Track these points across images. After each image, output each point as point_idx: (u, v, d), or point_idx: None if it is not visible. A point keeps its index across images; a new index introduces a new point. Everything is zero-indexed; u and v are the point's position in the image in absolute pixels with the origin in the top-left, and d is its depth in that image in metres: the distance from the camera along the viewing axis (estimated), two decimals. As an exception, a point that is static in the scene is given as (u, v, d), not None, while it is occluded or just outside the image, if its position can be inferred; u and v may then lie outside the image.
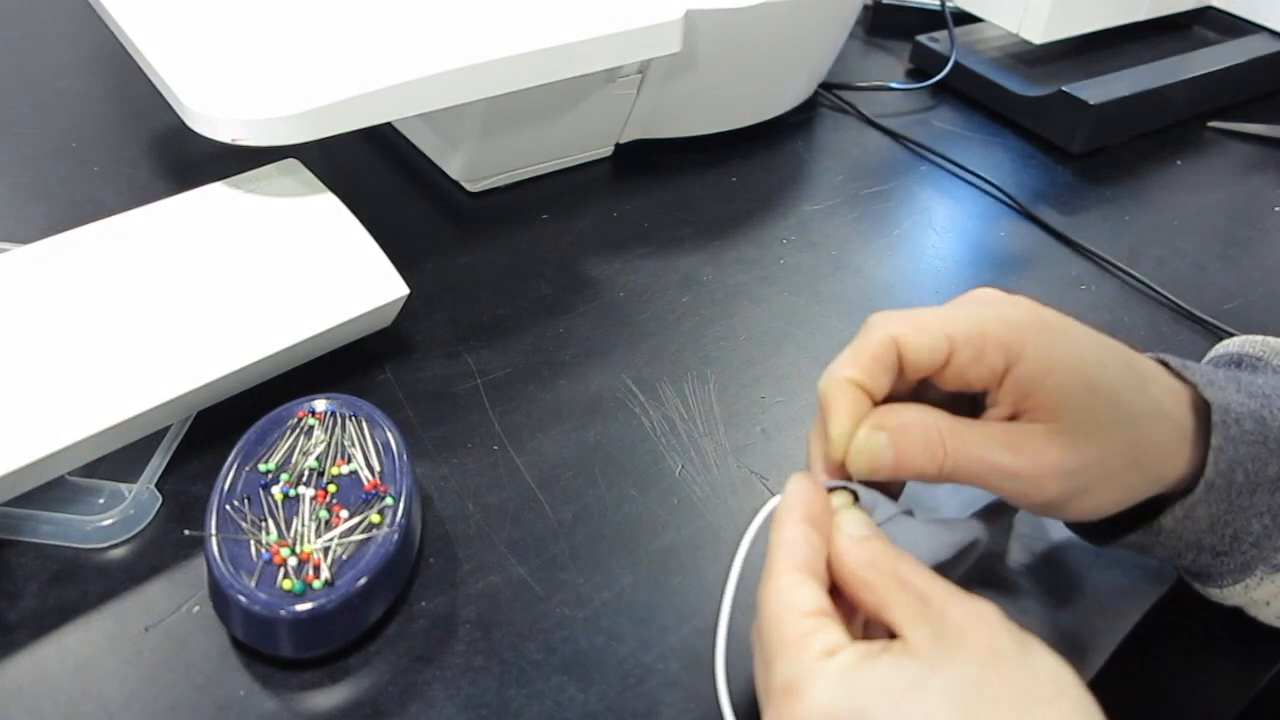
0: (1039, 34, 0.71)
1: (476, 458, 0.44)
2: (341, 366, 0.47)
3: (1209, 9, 0.83)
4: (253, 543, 0.35)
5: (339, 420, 0.40)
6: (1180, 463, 0.32)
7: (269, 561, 0.35)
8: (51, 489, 0.40)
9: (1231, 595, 0.35)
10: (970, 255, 0.60)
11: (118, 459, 0.41)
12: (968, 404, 0.34)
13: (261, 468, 0.38)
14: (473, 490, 0.43)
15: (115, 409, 0.38)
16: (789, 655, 0.27)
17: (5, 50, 0.73)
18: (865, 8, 0.86)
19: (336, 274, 0.45)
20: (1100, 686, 0.28)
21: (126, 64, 0.53)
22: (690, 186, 0.64)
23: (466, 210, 0.60)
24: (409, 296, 0.46)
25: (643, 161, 0.65)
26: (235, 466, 0.38)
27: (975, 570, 0.34)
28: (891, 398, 0.33)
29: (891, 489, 0.33)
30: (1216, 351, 0.41)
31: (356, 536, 0.36)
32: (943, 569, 0.32)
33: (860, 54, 0.83)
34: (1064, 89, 0.68)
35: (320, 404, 0.40)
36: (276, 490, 0.37)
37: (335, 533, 0.36)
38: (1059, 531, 0.41)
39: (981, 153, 0.70)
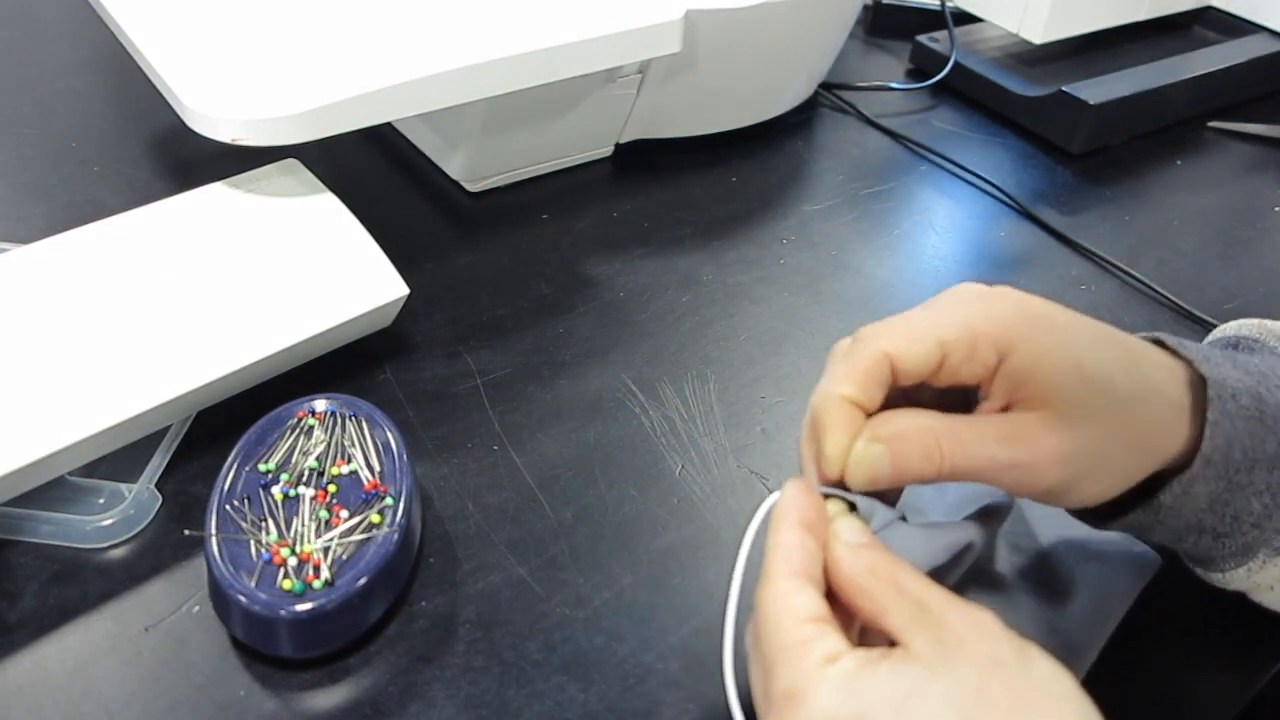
0: (1039, 34, 0.71)
1: (476, 458, 0.44)
2: (341, 366, 0.47)
3: (1209, 9, 0.83)
4: (253, 543, 0.35)
5: (339, 420, 0.40)
6: (1178, 440, 0.32)
7: (269, 561, 0.35)
8: (51, 489, 0.40)
9: (1234, 579, 0.35)
10: (970, 255, 0.60)
11: (118, 459, 0.41)
12: (959, 397, 0.34)
13: (261, 468, 0.38)
14: (473, 490, 0.43)
15: (115, 409, 0.38)
16: (790, 662, 0.27)
17: (5, 50, 0.73)
18: (865, 8, 0.86)
19: (336, 274, 0.45)
20: (1098, 687, 0.28)
21: (126, 64, 0.53)
22: (690, 186, 0.64)
23: (466, 210, 0.60)
24: (409, 296, 0.46)
25: (643, 161, 0.65)
26: (235, 466, 0.38)
27: (967, 571, 0.34)
28: (884, 400, 0.33)
29: (888, 495, 0.33)
30: (1214, 336, 0.41)
31: (356, 536, 0.36)
32: (939, 573, 0.32)
33: (860, 54, 0.83)
34: (1064, 89, 0.68)
35: (320, 404, 0.40)
36: (276, 490, 0.37)
37: (335, 533, 0.36)
38: (1046, 530, 0.41)
39: (981, 153, 0.70)
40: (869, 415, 0.32)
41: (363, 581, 0.35)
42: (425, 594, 0.38)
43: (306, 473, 0.38)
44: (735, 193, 0.63)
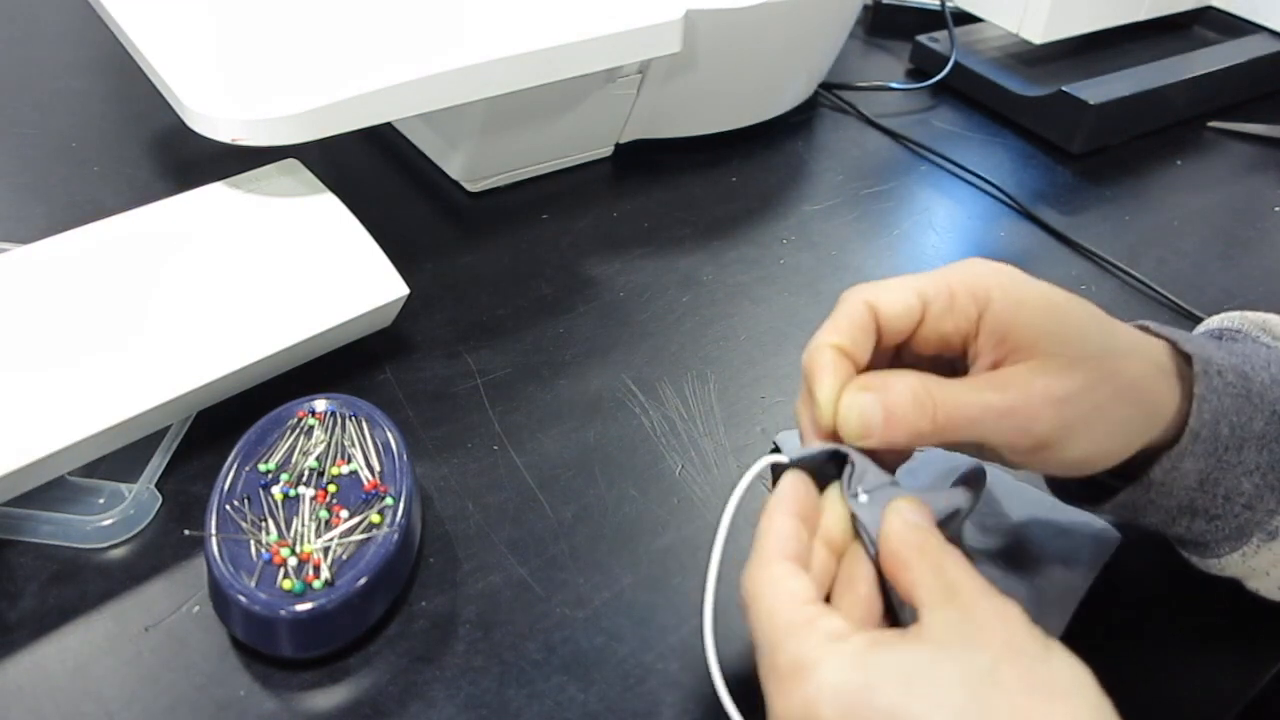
0: (1039, 34, 0.71)
1: (476, 458, 0.44)
2: (341, 366, 0.47)
3: (1209, 9, 0.83)
4: (253, 543, 0.35)
5: (339, 420, 0.40)
6: (1168, 402, 0.32)
7: (269, 561, 0.35)
8: (51, 489, 0.40)
9: (1230, 565, 0.35)
10: (970, 255, 0.60)
11: (118, 459, 0.41)
12: (948, 372, 0.34)
13: (261, 468, 0.38)
14: (473, 490, 0.43)
15: (115, 409, 0.38)
16: (797, 637, 0.27)
17: (5, 50, 0.73)
18: (865, 8, 0.86)
19: (336, 274, 0.45)
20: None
21: (126, 64, 0.53)
22: (690, 186, 0.64)
23: (466, 210, 0.60)
24: (409, 296, 0.46)
25: (643, 161, 0.65)
26: (235, 466, 0.38)
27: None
28: (873, 369, 0.33)
29: (884, 460, 0.33)
30: (1198, 330, 0.41)
31: (356, 536, 0.36)
32: None
33: (860, 54, 0.83)
34: (1064, 89, 0.68)
35: (320, 404, 0.40)
36: (276, 490, 0.37)
37: (335, 533, 0.36)
38: (1013, 510, 0.41)
39: (981, 153, 0.70)
40: (859, 369, 0.32)
41: (363, 581, 0.35)
42: (425, 594, 0.38)
43: (306, 473, 0.38)
44: (735, 193, 0.63)
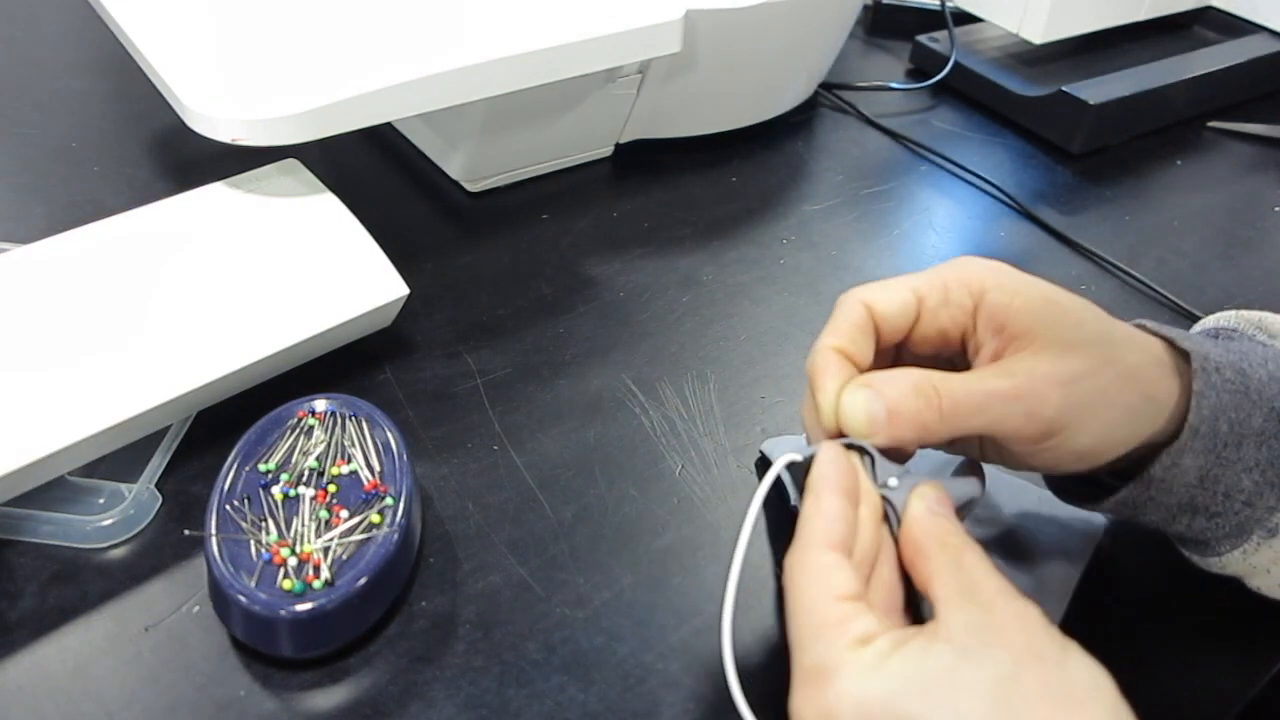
0: (1039, 34, 0.71)
1: (476, 458, 0.44)
2: (341, 366, 0.47)
3: (1209, 9, 0.83)
4: (253, 543, 0.35)
5: (339, 420, 0.40)
6: (1168, 395, 0.32)
7: (269, 561, 0.35)
8: (51, 489, 0.40)
9: (1230, 563, 0.35)
10: (970, 255, 0.60)
11: (118, 459, 0.41)
12: (949, 371, 0.34)
13: (261, 468, 0.38)
14: (473, 490, 0.43)
15: (115, 409, 0.38)
16: (823, 638, 0.27)
17: (5, 50, 0.73)
18: (865, 8, 0.86)
19: (336, 274, 0.45)
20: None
21: (126, 64, 0.53)
22: (690, 186, 0.64)
23: (466, 210, 0.60)
24: (409, 296, 0.46)
25: (643, 161, 0.65)
26: (235, 466, 0.38)
27: None
28: (875, 370, 0.33)
29: (896, 456, 0.33)
30: (1194, 330, 0.41)
31: (356, 536, 0.36)
32: None
33: (860, 54, 0.83)
34: (1064, 89, 0.68)
35: (320, 404, 0.40)
36: (276, 490, 0.37)
37: (335, 533, 0.36)
38: (1007, 503, 0.42)
39: (981, 153, 0.70)
40: (861, 369, 0.33)
41: (363, 581, 0.35)
42: (425, 594, 0.38)
43: (306, 473, 0.38)
44: (735, 193, 0.63)
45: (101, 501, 0.40)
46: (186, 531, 0.40)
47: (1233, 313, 0.39)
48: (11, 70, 0.71)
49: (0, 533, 0.39)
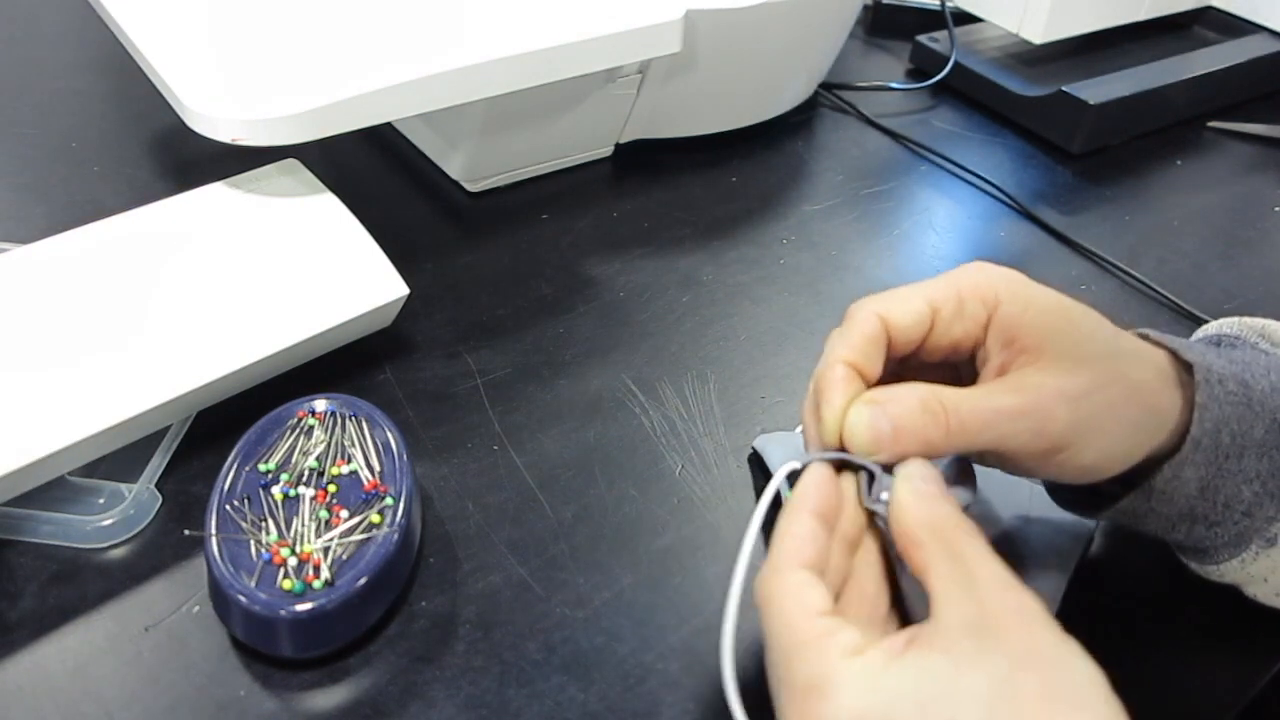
0: (1039, 34, 0.71)
1: (476, 458, 0.44)
2: (341, 366, 0.47)
3: (1209, 9, 0.83)
4: (253, 543, 0.35)
5: (339, 420, 0.40)
6: (1172, 408, 0.32)
7: (269, 561, 0.35)
8: (51, 489, 0.40)
9: (1228, 571, 0.35)
10: (970, 255, 0.60)
11: (118, 459, 0.41)
12: (952, 381, 0.34)
13: (261, 468, 0.38)
14: (473, 490, 0.43)
15: (115, 409, 0.38)
16: (810, 654, 0.26)
17: (5, 50, 0.73)
18: (865, 8, 0.86)
19: (336, 274, 0.45)
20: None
21: (126, 64, 0.53)
22: (690, 186, 0.64)
23: (466, 210, 0.60)
24: (409, 296, 0.46)
25: (643, 161, 0.65)
26: (235, 466, 0.38)
27: None
28: (881, 381, 0.33)
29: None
30: (1196, 336, 0.41)
31: (356, 536, 0.36)
32: None
33: (860, 54, 0.83)
34: (1064, 89, 0.68)
35: (320, 404, 0.40)
36: (276, 490, 0.37)
37: (335, 533, 0.36)
38: (999, 501, 0.41)
39: (981, 153, 0.70)
40: (872, 383, 0.32)
41: (363, 581, 0.35)
42: (425, 594, 0.38)
43: (306, 473, 0.38)
44: (735, 193, 0.63)
45: (101, 501, 0.40)
46: (186, 531, 0.40)
47: (1235, 320, 0.39)
48: (11, 70, 0.71)
49: (0, 533, 0.39)
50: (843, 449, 0.32)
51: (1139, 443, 0.32)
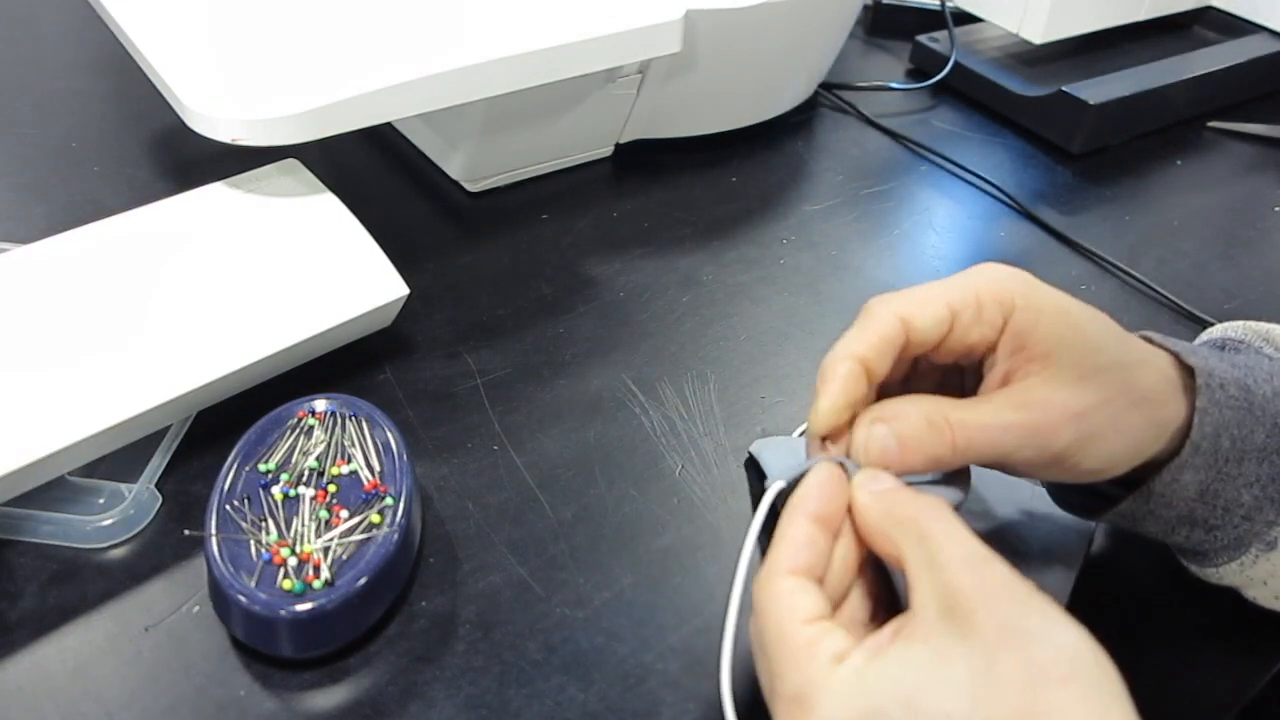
0: (1039, 34, 0.71)
1: (476, 458, 0.44)
2: (341, 366, 0.47)
3: (1209, 9, 0.83)
4: (253, 543, 0.35)
5: (339, 420, 0.40)
6: (1175, 410, 0.32)
7: (269, 561, 0.35)
8: (51, 489, 0.40)
9: (1228, 574, 0.35)
10: (970, 255, 0.60)
11: (118, 459, 0.41)
12: (957, 386, 0.34)
13: (261, 468, 0.38)
14: (473, 490, 0.43)
15: (115, 409, 0.38)
16: (797, 664, 0.26)
17: (5, 50, 0.73)
18: (865, 8, 0.86)
19: (336, 274, 0.45)
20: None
21: (126, 64, 0.53)
22: (690, 186, 0.64)
23: (466, 210, 0.60)
24: (409, 296, 0.46)
25: (643, 161, 0.65)
26: (235, 466, 0.38)
27: None
28: (883, 390, 0.33)
29: None
30: (1200, 339, 0.41)
31: (356, 536, 0.36)
32: None
33: (860, 54, 0.83)
34: (1064, 89, 0.68)
35: (320, 404, 0.40)
36: (276, 490, 0.37)
37: (335, 533, 0.36)
38: (1000, 501, 0.41)
39: (981, 153, 0.70)
40: (873, 384, 0.32)
41: (363, 581, 0.35)
42: (425, 594, 0.38)
43: (306, 473, 0.38)
44: (735, 193, 0.63)
45: (101, 501, 0.40)
46: (186, 531, 0.40)
47: (1240, 324, 0.39)
48: (11, 70, 0.71)
49: (0, 533, 0.39)
50: (823, 440, 0.32)
51: (1141, 448, 0.32)
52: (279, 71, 0.47)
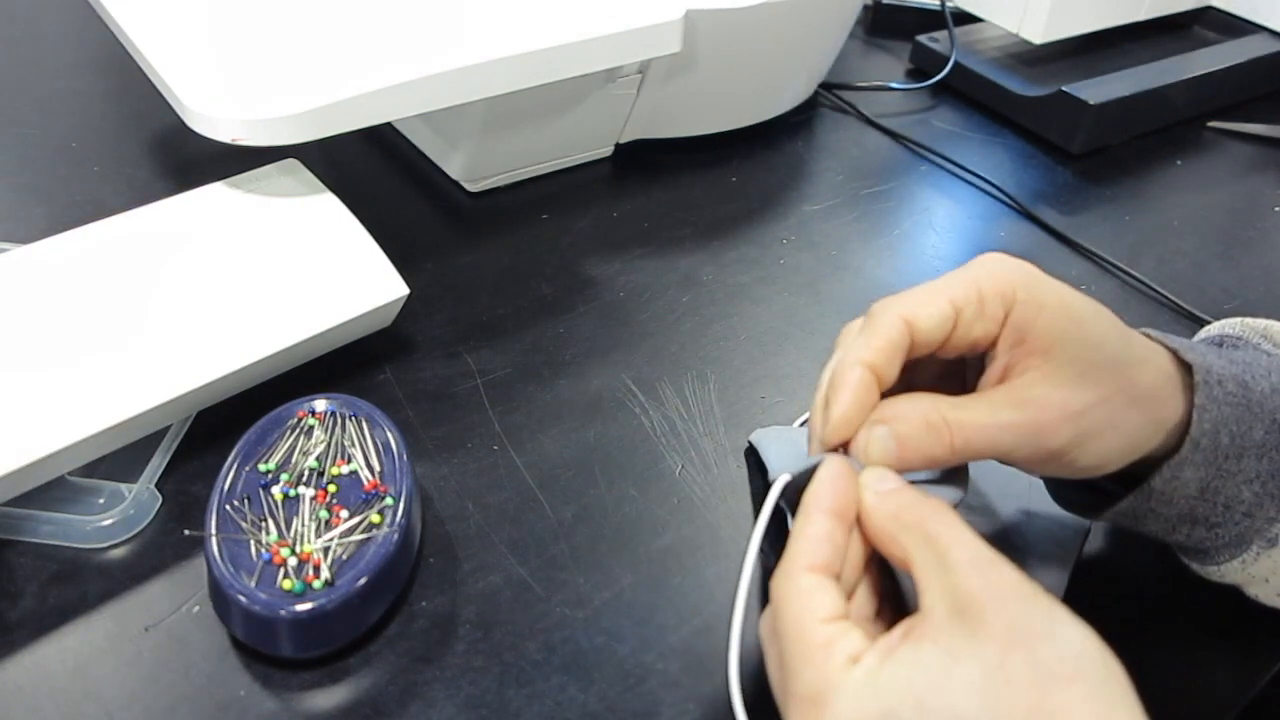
0: (1039, 34, 0.71)
1: (476, 458, 0.44)
2: (341, 366, 0.47)
3: (1209, 9, 0.83)
4: (253, 543, 0.35)
5: (339, 420, 0.40)
6: (1174, 408, 0.32)
7: (269, 561, 0.35)
8: (51, 489, 0.40)
9: (1229, 572, 0.35)
10: (970, 255, 0.59)
11: (118, 459, 0.41)
12: (957, 383, 0.34)
13: (261, 468, 0.38)
14: (473, 490, 0.43)
15: (115, 409, 0.38)
16: (811, 664, 0.26)
17: (5, 50, 0.73)
18: (865, 8, 0.86)
19: (336, 274, 0.45)
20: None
21: (126, 64, 0.53)
22: (690, 186, 0.64)
23: (466, 210, 0.60)
24: (409, 296, 0.46)
25: (643, 161, 0.65)
26: (235, 466, 0.38)
27: None
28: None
29: None
30: (1199, 336, 0.41)
31: (356, 536, 0.36)
32: None
33: (860, 54, 0.83)
34: (1064, 89, 0.68)
35: (320, 404, 0.40)
36: (276, 490, 0.37)
37: (335, 533, 0.36)
38: (998, 496, 0.41)
39: (981, 153, 0.70)
40: (886, 388, 0.32)
41: (363, 581, 0.35)
42: (425, 594, 0.38)
43: (306, 473, 0.38)
44: (735, 193, 0.63)
45: (101, 501, 0.40)
46: (186, 531, 0.40)
47: (1238, 320, 0.39)
48: (11, 70, 0.71)
49: (0, 533, 0.39)
50: (834, 450, 0.32)
51: (1138, 445, 0.32)
52: (279, 71, 0.47)
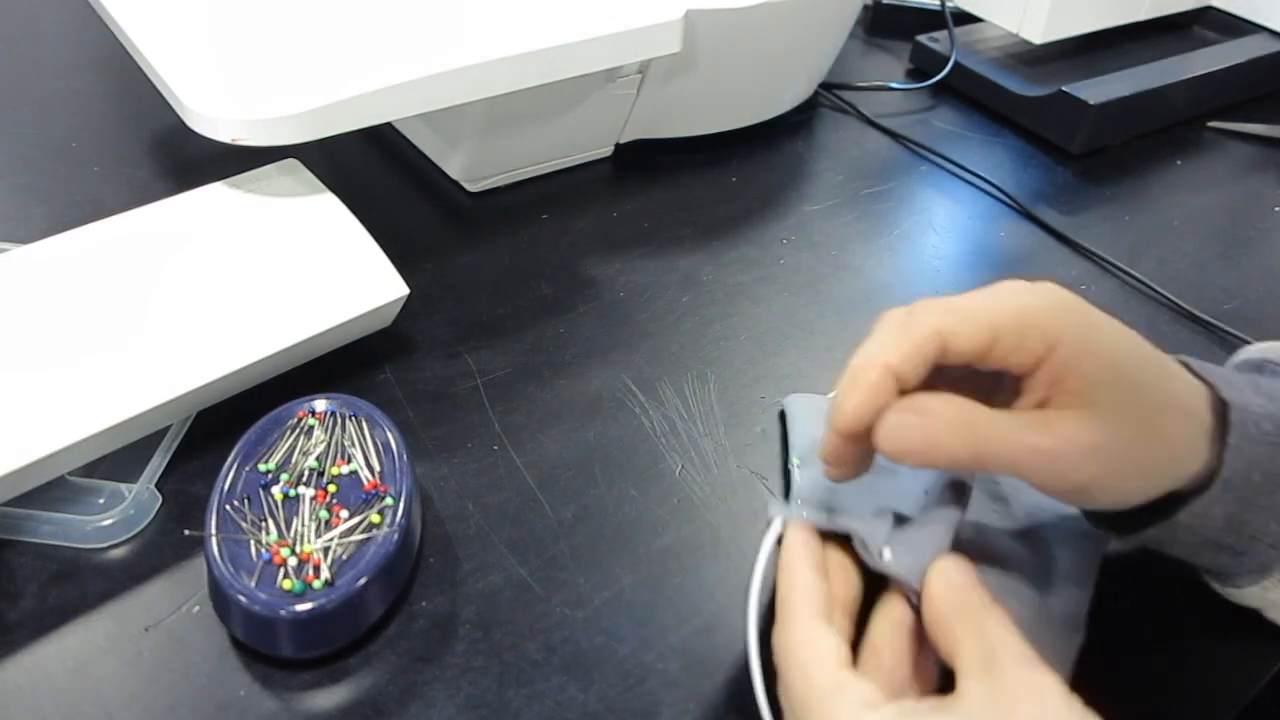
0: (1039, 34, 0.71)
1: (476, 458, 0.44)
2: (341, 366, 0.47)
3: (1209, 9, 0.83)
4: (253, 543, 0.35)
5: (339, 420, 0.40)
6: (1199, 457, 0.32)
7: (269, 561, 0.35)
8: (51, 489, 0.40)
9: (1249, 596, 0.35)
10: (970, 255, 0.60)
11: (118, 459, 0.41)
12: (990, 389, 0.34)
13: (261, 468, 0.38)
14: (473, 490, 0.43)
15: (115, 409, 0.38)
16: (829, 703, 0.27)
17: (5, 50, 0.73)
18: (865, 8, 0.86)
19: (336, 274, 0.45)
20: (1099, 687, 0.28)
21: (126, 64, 0.53)
22: (690, 186, 0.64)
23: (466, 210, 0.60)
24: (409, 296, 0.46)
25: (643, 161, 0.65)
26: (235, 466, 0.38)
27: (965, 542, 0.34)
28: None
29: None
30: (1238, 358, 0.41)
31: (356, 536, 0.36)
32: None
33: (860, 54, 0.83)
34: (1064, 89, 0.68)
35: (320, 404, 0.40)
36: (276, 490, 0.37)
37: (335, 533, 0.36)
38: (1025, 498, 0.41)
39: (981, 153, 0.70)
40: (906, 389, 0.32)
41: (363, 581, 0.35)
42: (425, 594, 0.38)
43: (306, 473, 0.38)
44: (735, 193, 0.63)
45: (101, 501, 0.40)
46: (186, 531, 0.40)
47: (1278, 344, 0.39)
48: (11, 70, 0.71)
49: (0, 533, 0.39)
50: (854, 440, 0.32)
51: (1160, 485, 0.32)
52: (279, 71, 0.47)
